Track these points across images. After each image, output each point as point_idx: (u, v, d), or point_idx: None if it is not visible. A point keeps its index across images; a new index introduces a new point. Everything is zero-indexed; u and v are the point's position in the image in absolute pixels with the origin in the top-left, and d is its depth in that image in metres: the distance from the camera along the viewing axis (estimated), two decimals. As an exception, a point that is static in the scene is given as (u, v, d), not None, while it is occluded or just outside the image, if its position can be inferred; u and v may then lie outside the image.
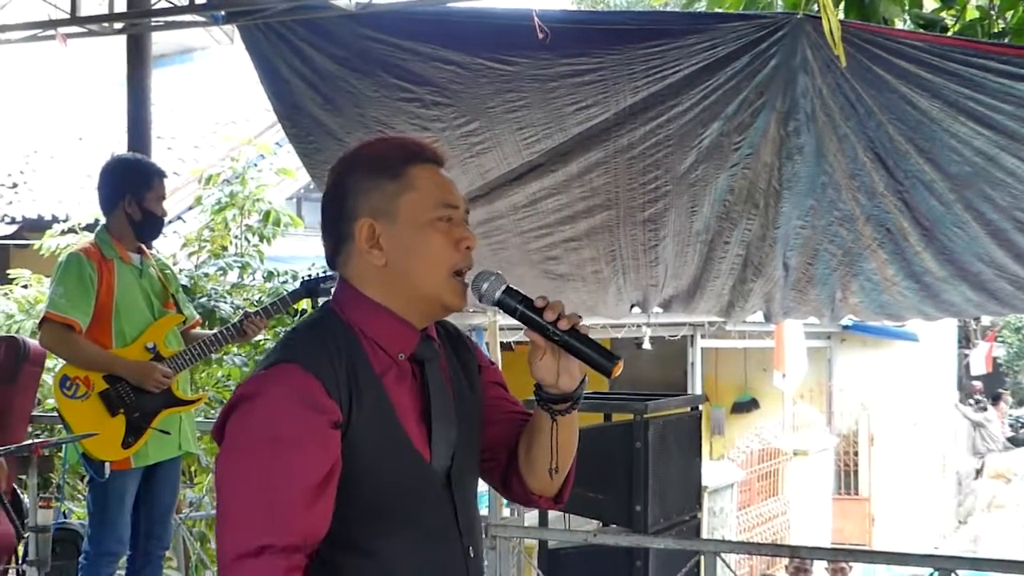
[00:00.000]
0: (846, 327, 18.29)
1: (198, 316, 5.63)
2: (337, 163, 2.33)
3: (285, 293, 5.61)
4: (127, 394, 5.03)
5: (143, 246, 5.29)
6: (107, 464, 4.94)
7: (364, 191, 2.25)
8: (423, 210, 2.24)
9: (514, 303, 2.25)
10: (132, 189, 5.16)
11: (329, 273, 5.52)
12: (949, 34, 5.89)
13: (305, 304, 6.55)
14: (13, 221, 11.86)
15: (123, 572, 5.41)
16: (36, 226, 11.04)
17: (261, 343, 7.95)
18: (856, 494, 20.28)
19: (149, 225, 5.22)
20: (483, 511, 9.48)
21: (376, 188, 2.24)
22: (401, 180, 2.25)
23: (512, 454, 2.43)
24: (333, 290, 2.33)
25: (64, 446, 5.13)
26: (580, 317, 2.23)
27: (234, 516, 2.09)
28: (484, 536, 5.33)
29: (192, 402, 5.33)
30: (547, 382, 2.28)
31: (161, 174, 5.28)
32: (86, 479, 5.19)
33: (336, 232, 2.28)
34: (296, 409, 2.09)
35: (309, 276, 5.77)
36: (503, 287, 2.26)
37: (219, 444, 2.18)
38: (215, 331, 5.37)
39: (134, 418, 5.04)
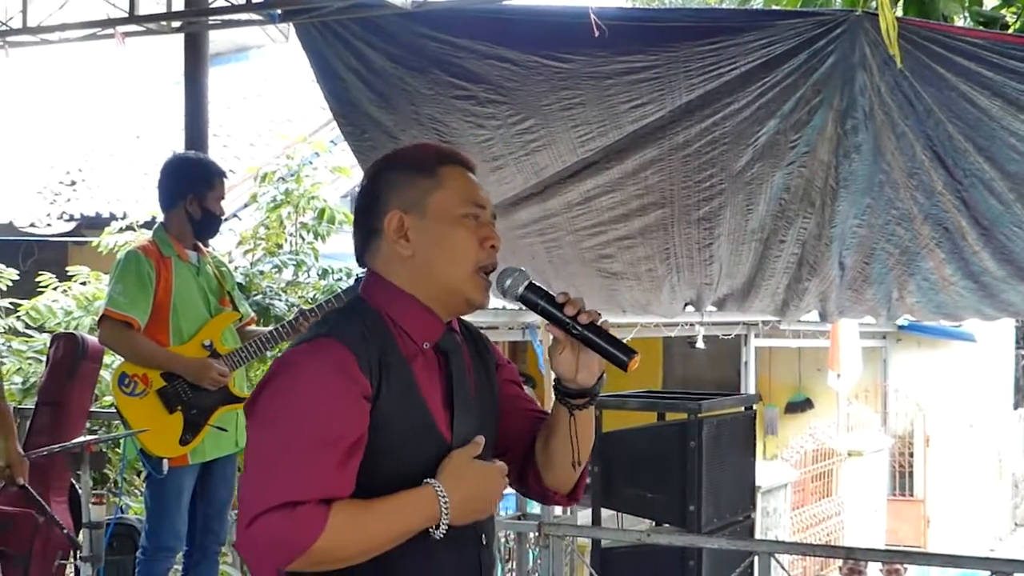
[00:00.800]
0: (902, 327, 18.16)
1: (253, 314, 5.66)
2: (373, 163, 2.45)
3: (339, 291, 5.63)
4: (184, 391, 5.07)
5: (200, 244, 5.32)
6: (165, 461, 4.98)
7: (397, 186, 2.35)
8: (452, 206, 2.34)
9: (536, 298, 2.34)
10: (194, 188, 5.20)
11: None
12: (1009, 31, 5.82)
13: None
14: (72, 218, 11.98)
15: (180, 567, 5.44)
16: (94, 223, 11.15)
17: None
18: (911, 495, 20.13)
19: (208, 224, 5.26)
20: (535, 510, 9.53)
21: (408, 183, 2.35)
22: (433, 178, 2.35)
23: (528, 450, 2.52)
24: (362, 282, 2.40)
25: (123, 442, 5.16)
26: (600, 314, 2.31)
27: (265, 474, 2.14)
28: (538, 534, 5.33)
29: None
30: (567, 377, 2.37)
31: (222, 174, 5.31)
32: (143, 475, 5.22)
33: (367, 226, 2.38)
34: (332, 376, 2.17)
35: (362, 274, 5.76)
36: (526, 283, 2.35)
37: (250, 415, 2.24)
38: (270, 329, 5.39)
39: (191, 415, 5.07)
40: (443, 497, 2.19)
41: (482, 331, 2.60)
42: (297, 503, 2.08)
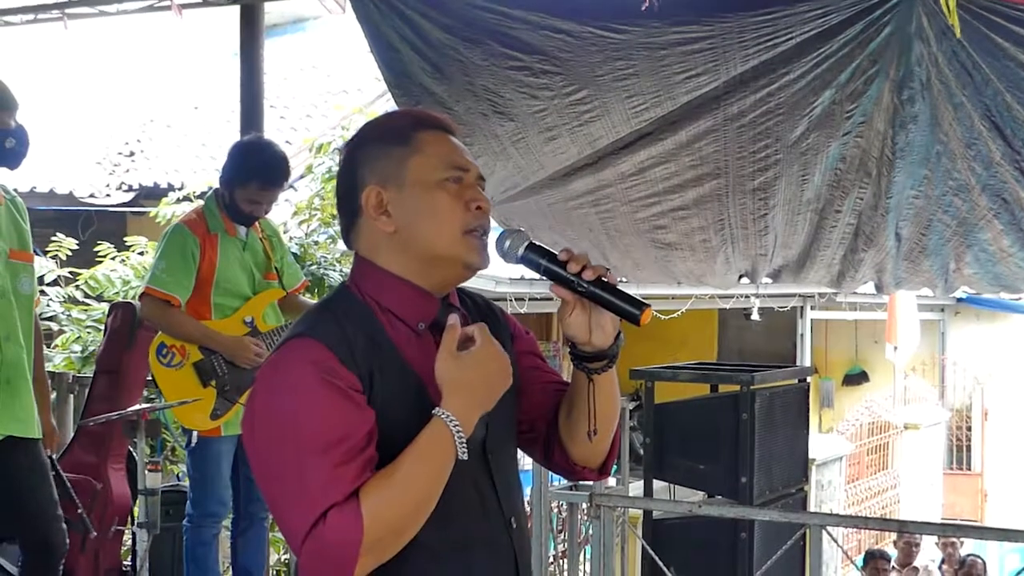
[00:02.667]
0: (960, 300, 17.99)
1: (304, 279, 5.66)
2: (348, 140, 2.31)
3: None
4: (220, 367, 5.13)
5: None
6: (194, 433, 5.04)
7: (372, 160, 2.22)
8: (430, 171, 2.20)
9: (537, 258, 2.20)
10: (229, 177, 5.21)
11: None
12: (1070, 0, 5.74)
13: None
14: (130, 189, 12.10)
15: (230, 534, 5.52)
16: (152, 194, 11.26)
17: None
18: (968, 469, 20.01)
19: (234, 214, 5.24)
20: (588, 480, 9.56)
21: (383, 155, 2.21)
22: (408, 145, 2.21)
23: (552, 424, 2.37)
24: (351, 269, 2.29)
25: (160, 412, 5.23)
26: (607, 268, 2.17)
27: (289, 496, 2.04)
28: (589, 505, 5.34)
29: None
30: (580, 339, 2.22)
31: (268, 181, 5.19)
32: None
33: (346, 207, 2.25)
34: (315, 377, 2.05)
35: None
36: (525, 243, 2.21)
37: (247, 439, 2.15)
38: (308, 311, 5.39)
39: (224, 391, 5.14)
40: (452, 422, 2.06)
41: (495, 303, 2.47)
42: (326, 511, 1.98)
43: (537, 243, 2.21)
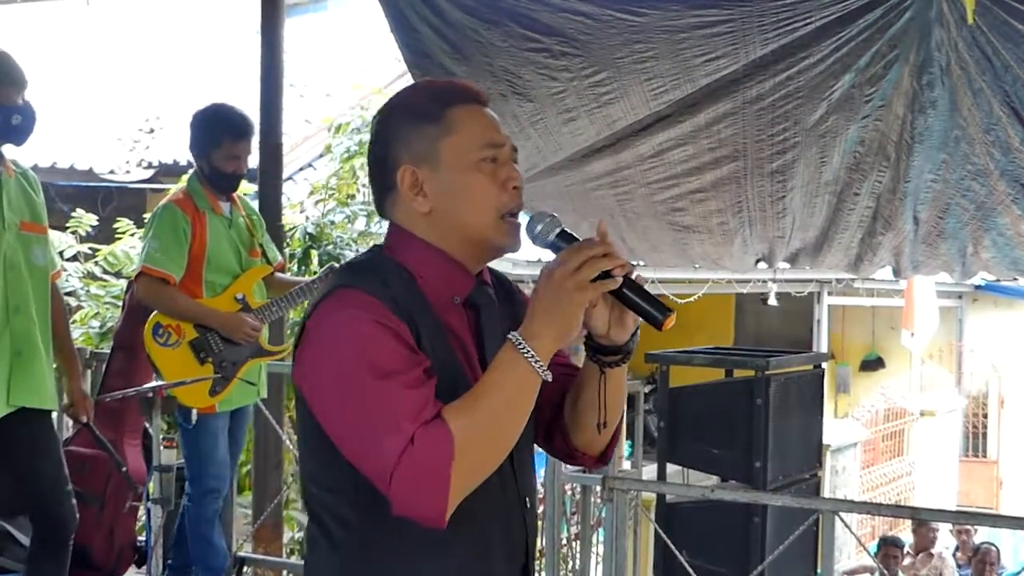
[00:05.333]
0: (978, 287, 17.95)
1: (281, 258, 5.73)
2: (378, 111, 2.28)
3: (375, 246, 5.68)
4: (216, 344, 5.18)
5: (232, 195, 5.40)
6: (194, 411, 5.08)
7: (404, 137, 2.19)
8: (466, 152, 2.17)
9: (566, 246, 2.15)
10: (200, 144, 5.27)
11: None
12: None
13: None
14: (150, 166, 12.10)
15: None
16: (171, 171, 11.26)
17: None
18: (984, 457, 19.98)
19: (219, 181, 5.28)
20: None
21: (416, 133, 2.18)
22: (441, 123, 2.18)
23: (556, 409, 2.35)
24: (385, 235, 2.27)
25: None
26: (634, 266, 2.13)
27: (368, 431, 1.99)
28: (602, 488, 5.35)
29: (276, 352, 5.45)
30: (598, 332, 2.19)
31: (237, 133, 5.26)
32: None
33: (380, 181, 2.23)
34: (371, 318, 2.03)
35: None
36: (557, 230, 2.18)
37: (302, 384, 2.12)
38: (302, 284, 5.48)
39: (221, 367, 5.18)
40: (521, 346, 2.01)
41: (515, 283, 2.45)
42: (412, 436, 1.94)
43: (568, 231, 2.19)
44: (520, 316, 2.16)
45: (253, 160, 5.55)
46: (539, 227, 2.18)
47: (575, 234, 2.18)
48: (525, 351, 2.02)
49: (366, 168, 8.10)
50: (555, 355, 2.22)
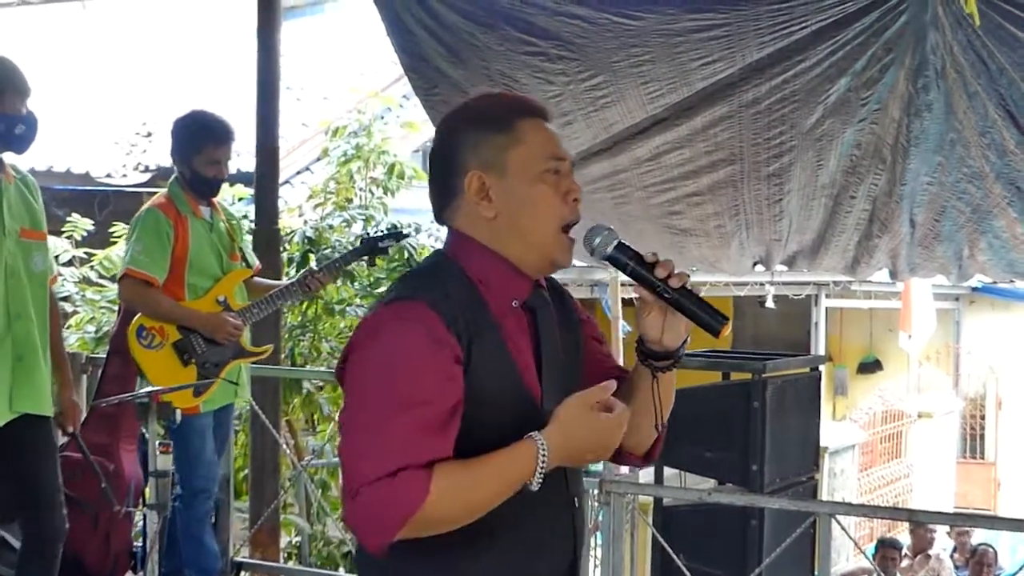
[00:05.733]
0: (975, 289, 17.97)
1: (258, 264, 5.79)
2: (445, 118, 2.38)
3: (347, 252, 5.79)
4: (199, 345, 5.26)
5: (212, 200, 5.48)
6: (178, 411, 5.11)
7: (473, 145, 2.28)
8: (532, 162, 2.27)
9: (625, 259, 2.27)
10: (181, 150, 5.37)
11: (390, 232, 5.71)
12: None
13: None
14: (147, 169, 12.07)
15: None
16: (168, 175, 11.11)
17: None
18: (982, 458, 20.00)
19: (200, 187, 5.38)
20: (597, 467, 9.56)
21: (485, 141, 2.28)
22: (510, 133, 2.28)
23: None
24: (445, 240, 2.35)
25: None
26: (689, 275, 2.25)
27: (363, 445, 2.11)
28: (599, 491, 5.35)
29: (258, 353, 5.56)
30: (652, 338, 2.32)
31: (218, 139, 5.36)
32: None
33: (444, 186, 2.31)
34: (421, 340, 2.13)
35: (368, 235, 5.97)
36: (615, 242, 2.28)
37: (342, 383, 2.23)
38: (282, 286, 5.55)
39: (205, 368, 5.27)
40: (543, 454, 2.12)
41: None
42: (398, 470, 2.05)
43: (625, 243, 2.29)
44: (574, 322, 2.40)
45: (250, 164, 5.60)
46: (597, 240, 2.29)
47: (632, 247, 2.28)
48: (542, 461, 2.13)
49: (362, 172, 8.11)
50: (606, 359, 2.47)
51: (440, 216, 2.36)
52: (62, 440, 5.66)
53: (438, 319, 2.14)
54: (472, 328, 2.18)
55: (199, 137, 5.35)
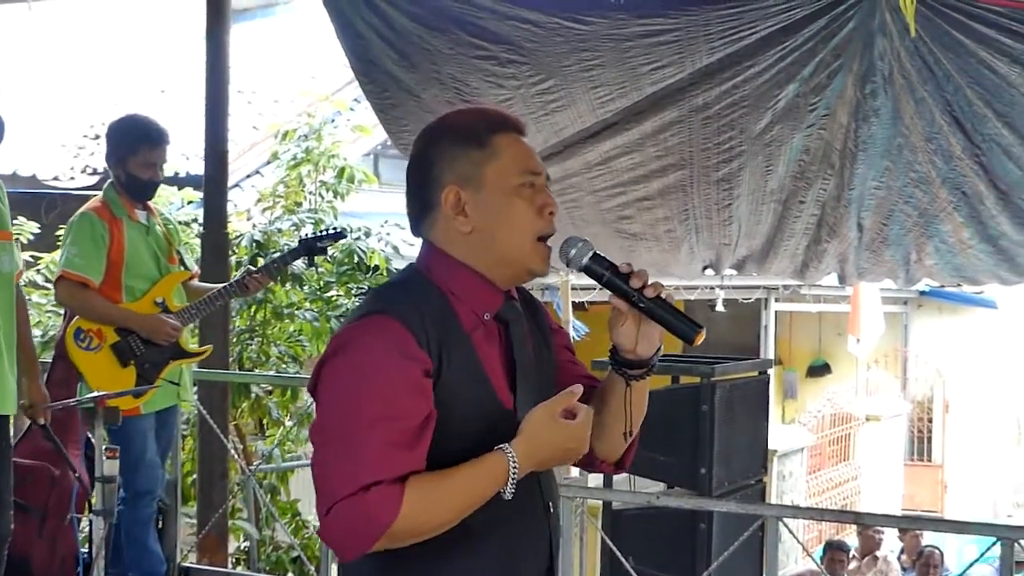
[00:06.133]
0: (923, 293, 18.14)
1: (197, 268, 5.82)
2: (422, 132, 2.39)
3: (285, 252, 5.80)
4: (138, 346, 5.27)
5: (148, 204, 5.49)
6: (119, 413, 5.09)
7: (450, 159, 2.30)
8: (508, 177, 2.30)
9: (601, 269, 2.31)
10: (116, 153, 5.38)
11: (328, 232, 5.73)
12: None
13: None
14: (95, 172, 11.97)
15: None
16: (116, 177, 11.16)
17: (333, 299, 8.02)
18: (929, 461, 20.15)
19: (135, 189, 5.39)
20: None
21: (462, 156, 2.30)
22: (486, 148, 2.31)
23: None
24: (418, 253, 2.38)
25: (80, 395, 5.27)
26: (664, 286, 2.28)
27: (335, 460, 2.15)
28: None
29: (198, 354, 5.56)
30: (626, 347, 2.35)
31: (153, 141, 5.39)
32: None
33: (421, 199, 2.34)
34: (391, 355, 2.15)
35: (307, 236, 6.01)
36: (590, 253, 2.32)
37: (315, 397, 2.25)
38: (220, 287, 5.54)
39: (144, 369, 5.28)
40: (513, 465, 2.16)
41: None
42: (371, 485, 2.09)
43: (600, 254, 2.33)
44: (546, 332, 2.44)
45: (199, 167, 5.58)
46: (572, 251, 2.33)
47: (607, 257, 2.32)
48: (513, 471, 2.17)
49: (312, 176, 8.05)
50: (577, 368, 2.52)
51: (416, 228, 2.38)
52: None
53: (408, 333, 2.17)
54: (443, 342, 2.21)
55: (133, 139, 5.37)
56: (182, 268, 5.55)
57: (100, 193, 5.46)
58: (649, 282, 2.27)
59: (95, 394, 4.81)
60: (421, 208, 2.34)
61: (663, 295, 2.27)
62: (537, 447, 2.19)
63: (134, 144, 5.34)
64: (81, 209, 5.36)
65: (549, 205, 2.33)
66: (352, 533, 2.11)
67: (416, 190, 2.35)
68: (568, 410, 2.21)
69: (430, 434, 2.16)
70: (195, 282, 5.64)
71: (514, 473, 2.16)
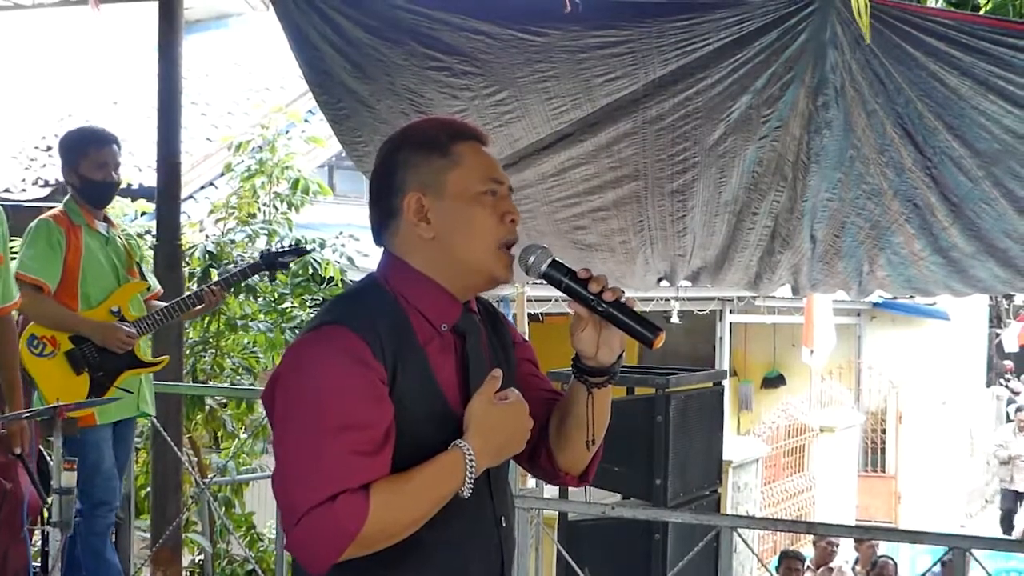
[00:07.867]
0: (876, 304, 18.27)
1: (160, 288, 5.79)
2: (386, 141, 2.40)
3: (245, 265, 5.82)
4: (92, 354, 5.23)
5: (108, 216, 5.50)
6: (76, 424, 5.06)
7: (413, 166, 2.32)
8: (470, 184, 2.32)
9: (560, 275, 2.32)
10: (68, 160, 5.40)
11: (291, 248, 5.75)
12: (980, 13, 5.85)
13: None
14: (46, 184, 11.90)
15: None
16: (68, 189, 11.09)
17: (288, 311, 7.99)
18: (883, 472, 20.28)
19: (91, 192, 5.39)
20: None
21: (425, 163, 2.32)
22: (449, 156, 2.33)
23: (542, 430, 2.47)
24: (378, 262, 2.38)
25: (36, 403, 5.22)
26: (623, 290, 2.30)
27: (298, 472, 2.14)
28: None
29: (153, 364, 5.52)
30: (587, 354, 2.35)
31: (101, 141, 5.42)
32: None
33: (383, 207, 2.35)
34: (347, 364, 2.15)
35: (269, 250, 6.02)
36: (549, 260, 2.33)
37: (270, 411, 2.25)
38: (177, 299, 5.55)
39: (98, 377, 5.24)
40: (470, 458, 2.17)
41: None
42: (337, 495, 2.09)
43: (559, 260, 2.34)
44: (507, 345, 2.44)
45: (152, 179, 5.57)
46: (532, 258, 2.34)
47: (566, 263, 2.33)
48: (470, 465, 2.18)
49: (266, 187, 8.03)
50: (539, 380, 2.52)
51: (378, 237, 2.39)
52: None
53: (363, 343, 2.17)
54: (397, 352, 2.21)
55: (82, 143, 5.40)
56: (141, 280, 5.52)
57: (60, 204, 5.43)
58: (608, 287, 2.28)
59: (54, 405, 4.77)
60: (383, 216, 2.35)
61: (622, 299, 2.28)
62: (489, 433, 2.21)
63: (83, 147, 5.37)
64: (40, 216, 5.34)
65: (511, 213, 2.35)
66: (321, 543, 2.10)
67: (378, 198, 2.36)
68: (499, 396, 2.24)
69: (393, 440, 2.17)
70: (155, 302, 5.61)
71: (471, 466, 2.17)
